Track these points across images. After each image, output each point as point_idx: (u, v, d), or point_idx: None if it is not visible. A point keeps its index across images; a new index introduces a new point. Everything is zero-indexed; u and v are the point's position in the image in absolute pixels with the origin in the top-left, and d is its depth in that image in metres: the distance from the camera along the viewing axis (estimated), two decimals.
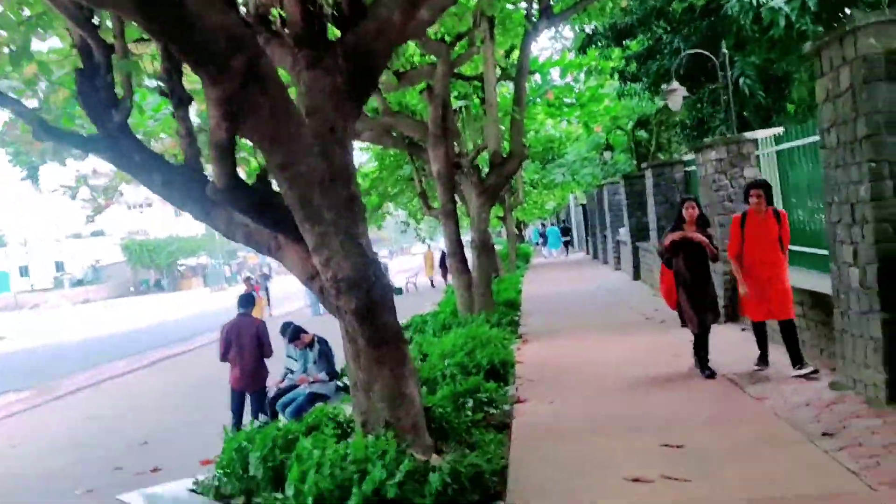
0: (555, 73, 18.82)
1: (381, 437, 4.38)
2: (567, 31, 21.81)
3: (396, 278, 29.48)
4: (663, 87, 11.16)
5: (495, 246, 26.40)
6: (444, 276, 29.36)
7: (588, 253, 32.04)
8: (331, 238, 4.34)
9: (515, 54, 12.03)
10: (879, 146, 4.93)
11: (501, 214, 29.39)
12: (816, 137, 7.56)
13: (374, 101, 11.80)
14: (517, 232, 48.07)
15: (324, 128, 4.53)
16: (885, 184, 4.94)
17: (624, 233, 21.11)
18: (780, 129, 8.93)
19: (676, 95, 10.80)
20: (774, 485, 3.94)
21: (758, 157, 9.10)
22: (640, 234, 17.33)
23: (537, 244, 47.84)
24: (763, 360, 6.71)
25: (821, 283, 6.46)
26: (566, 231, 43.90)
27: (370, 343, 4.51)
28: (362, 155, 24.49)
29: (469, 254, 11.14)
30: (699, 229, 6.70)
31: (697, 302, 6.72)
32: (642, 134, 20.50)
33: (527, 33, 10.88)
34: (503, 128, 11.89)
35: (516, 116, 10.90)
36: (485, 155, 11.65)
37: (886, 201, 4.95)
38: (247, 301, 7.83)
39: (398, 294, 28.02)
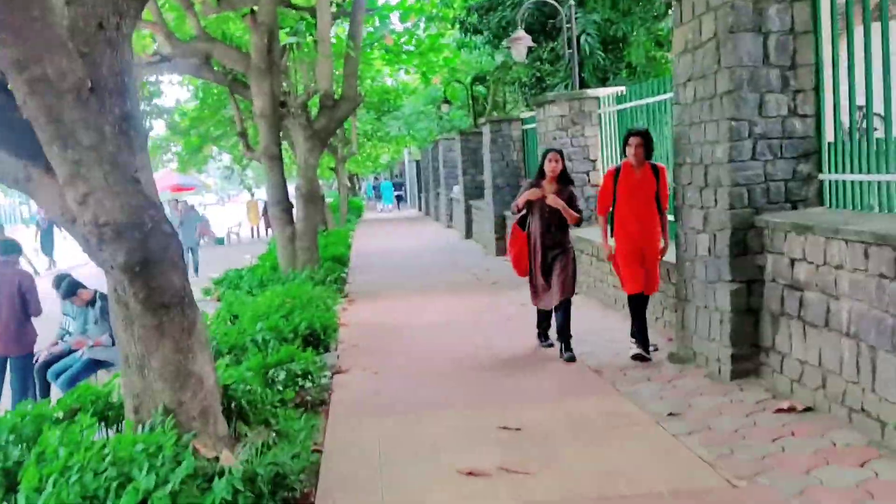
0: (394, 18, 17.86)
1: (158, 429, 3.42)
2: None
3: (219, 228, 27.53)
4: (505, 41, 10.57)
5: (325, 198, 25.27)
6: (269, 226, 27.89)
7: (421, 210, 31.68)
8: (91, 168, 3.24)
9: None
10: (741, 103, 4.55)
11: (333, 166, 28.24)
12: (660, 97, 7.34)
13: (187, 26, 10.31)
14: (350, 185, 46.98)
15: (88, 20, 3.38)
16: (744, 144, 4.59)
17: (458, 190, 20.76)
18: (622, 88, 8.65)
19: (521, 45, 10.26)
20: (625, 478, 3.45)
21: (599, 115, 8.79)
22: (474, 192, 16.98)
23: (370, 198, 47.18)
24: (643, 342, 5.59)
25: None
26: (399, 186, 43.83)
27: (146, 307, 3.50)
28: (183, 91, 22.35)
29: (295, 204, 10.10)
30: (560, 187, 5.77)
31: (546, 274, 5.82)
32: (480, 89, 20.08)
33: None
34: (337, 71, 10.85)
35: (351, 53, 9.90)
36: (316, 98, 10.56)
37: (745, 164, 4.60)
38: (7, 248, 6.37)
39: (220, 244, 26.14)
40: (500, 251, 13.04)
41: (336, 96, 10.12)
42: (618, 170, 5.62)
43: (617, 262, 5.70)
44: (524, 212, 5.91)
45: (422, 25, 15.69)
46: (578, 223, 5.83)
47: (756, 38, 4.52)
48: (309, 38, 12.76)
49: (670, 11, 7.61)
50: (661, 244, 5.60)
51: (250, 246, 23.93)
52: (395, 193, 42.97)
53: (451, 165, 21.03)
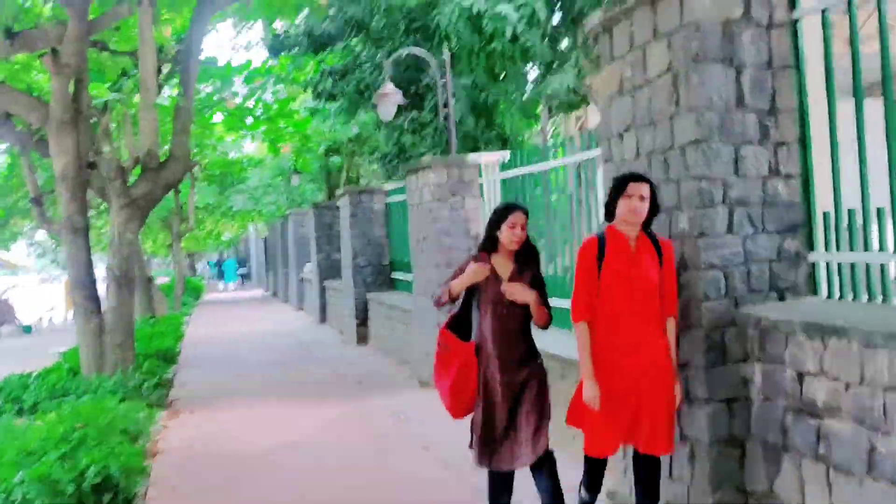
0: (238, 83, 16.23)
1: None
2: (256, 33, 19.41)
3: (27, 313, 23.82)
4: (374, 98, 9.26)
5: (157, 279, 22.53)
6: None
7: (268, 290, 29.36)
8: None
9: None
10: (711, 157, 3.37)
11: (170, 242, 25.60)
12: (554, 162, 6.23)
13: None
14: (189, 263, 43.58)
15: None
16: (717, 212, 3.39)
17: (310, 269, 18.99)
18: (505, 154, 7.51)
19: (389, 101, 8.95)
20: None
21: (481, 185, 7.58)
22: (329, 271, 15.32)
23: (213, 277, 44.11)
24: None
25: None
26: (243, 262, 41.33)
27: None
28: None
29: (106, 288, 8.02)
30: (519, 266, 3.58)
31: (511, 411, 3.51)
32: (336, 160, 18.71)
33: (200, 2, 8.26)
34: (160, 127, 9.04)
35: (181, 103, 8.16)
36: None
37: (719, 238, 3.39)
38: None
39: (27, 332, 22.49)
40: (362, 339, 11.42)
41: (162, 157, 8.28)
42: (601, 241, 3.40)
43: (583, 401, 3.38)
44: (455, 306, 3.74)
45: (269, 88, 14.14)
46: (546, 324, 3.60)
47: (727, 70, 3.39)
48: (137, 98, 10.98)
49: (582, 54, 6.66)
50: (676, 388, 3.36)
51: (65, 335, 20.67)
52: (240, 271, 40.59)
53: (303, 242, 19.30)
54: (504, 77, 10.51)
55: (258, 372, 9.74)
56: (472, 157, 7.62)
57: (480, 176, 7.56)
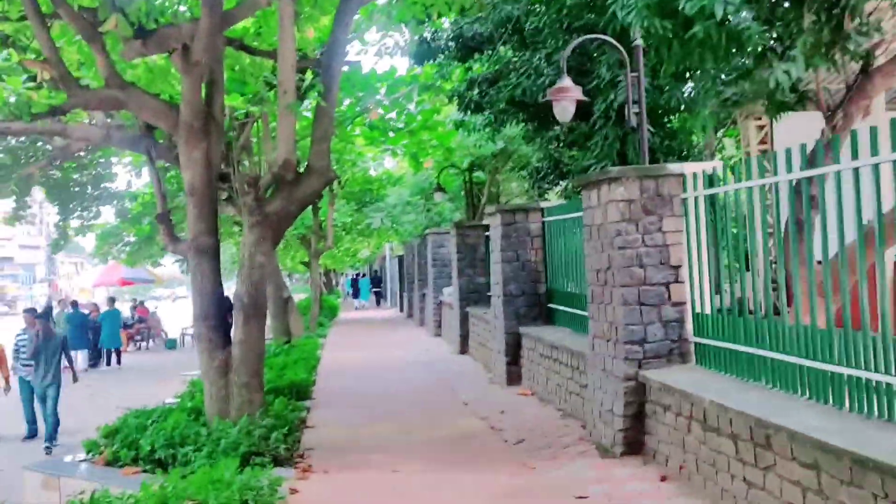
0: (381, 94, 15.35)
1: None
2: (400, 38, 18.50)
3: (172, 328, 24.18)
4: (548, 93, 7.83)
5: (294, 297, 22.19)
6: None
7: (402, 310, 28.59)
8: None
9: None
10: None
11: (307, 260, 25.37)
12: (768, 180, 4.57)
13: (90, 72, 7.57)
14: (326, 281, 43.97)
15: None
16: None
17: (450, 293, 17.81)
18: (716, 164, 5.87)
19: (566, 99, 7.49)
20: None
21: (684, 200, 5.96)
22: (472, 297, 14.03)
23: (348, 295, 44.41)
24: None
25: None
26: (377, 281, 41.21)
27: None
28: (134, 174, 19.63)
29: (234, 319, 7.03)
30: None
31: None
32: (480, 176, 17.47)
33: None
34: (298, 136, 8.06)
35: (322, 104, 7.08)
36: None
37: None
38: None
39: (170, 347, 22.73)
40: (513, 379, 9.97)
41: (300, 169, 7.24)
42: None
43: None
44: None
45: (414, 98, 13.10)
46: None
47: None
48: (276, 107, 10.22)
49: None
50: None
51: None
52: (374, 290, 40.55)
53: (442, 264, 18.18)
54: (692, 75, 8.81)
55: (398, 416, 8.50)
56: (673, 166, 6.01)
57: (685, 190, 5.94)
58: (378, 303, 40.00)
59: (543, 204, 10.12)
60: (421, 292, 21.95)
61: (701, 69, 8.63)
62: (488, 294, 13.90)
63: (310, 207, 21.13)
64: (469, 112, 14.19)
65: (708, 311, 5.77)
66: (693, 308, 5.90)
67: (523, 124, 14.19)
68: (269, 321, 20.53)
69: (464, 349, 14.10)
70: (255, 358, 6.90)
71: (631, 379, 5.89)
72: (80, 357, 18.01)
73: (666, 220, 5.95)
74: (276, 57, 7.45)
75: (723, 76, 9.13)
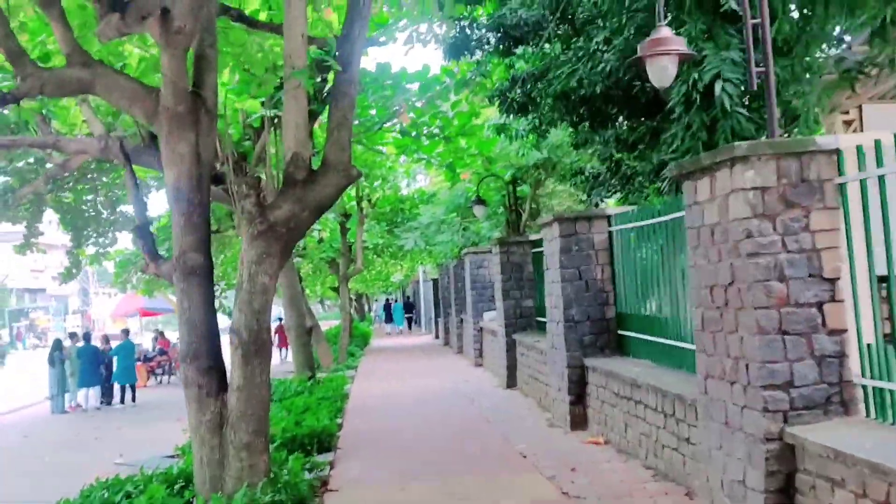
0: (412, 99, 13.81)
1: None
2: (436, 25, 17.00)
3: None
4: (639, 48, 6.19)
5: (326, 324, 20.68)
6: (284, 343, 22.43)
7: (438, 337, 26.95)
8: None
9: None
10: None
11: (336, 285, 24.01)
12: None
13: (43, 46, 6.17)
14: (357, 307, 42.51)
15: None
16: None
17: (491, 318, 16.16)
18: (884, 134, 4.20)
19: (665, 59, 5.80)
20: None
21: (839, 187, 4.28)
22: (519, 322, 12.38)
23: (380, 321, 42.99)
24: None
25: None
26: (409, 307, 39.90)
27: None
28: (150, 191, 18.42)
29: (230, 359, 5.47)
30: None
31: None
32: (524, 189, 15.84)
33: None
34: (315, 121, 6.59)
35: (341, 83, 5.56)
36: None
37: None
38: None
39: None
40: (578, 422, 8.26)
41: (311, 163, 5.69)
42: None
43: None
44: None
45: (451, 97, 11.56)
46: None
47: None
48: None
49: None
50: None
51: None
52: (407, 315, 39.22)
53: (482, 286, 16.56)
54: (794, 46, 7.14)
55: (440, 471, 6.83)
56: (824, 139, 4.33)
57: (841, 172, 4.26)
58: (410, 327, 38.65)
59: (609, 210, 8.45)
60: (458, 317, 20.32)
61: (825, 25, 6.99)
62: (538, 319, 12.25)
63: (337, 228, 19.73)
64: (511, 115, 12.65)
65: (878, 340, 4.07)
66: (859, 338, 4.20)
67: (572, 129, 12.61)
68: (290, 355, 18.96)
69: (511, 382, 12.41)
70: (259, 409, 5.32)
71: (773, 438, 4.18)
72: (92, 394, 16.66)
73: (815, 214, 4.27)
74: (278, 31, 5.98)
75: (847, 38, 7.48)
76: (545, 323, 11.73)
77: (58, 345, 16.80)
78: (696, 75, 7.53)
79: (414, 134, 12.24)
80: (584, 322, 8.28)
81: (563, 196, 22.85)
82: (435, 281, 28.21)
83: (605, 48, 9.24)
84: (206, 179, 5.60)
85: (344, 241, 18.78)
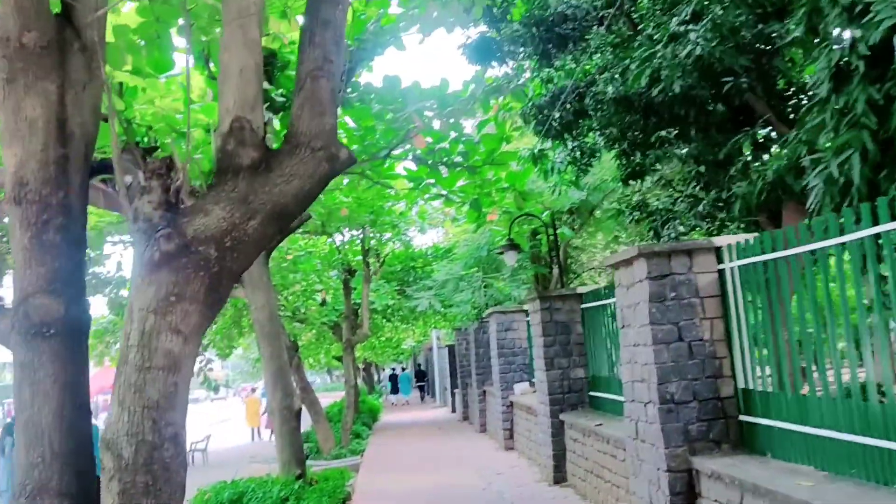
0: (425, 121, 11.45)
1: None
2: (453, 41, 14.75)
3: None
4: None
5: (325, 397, 17.99)
6: (271, 428, 20.83)
7: (454, 411, 24.06)
8: None
9: None
10: None
11: (339, 354, 21.42)
12: None
13: None
14: (366, 377, 39.65)
15: None
16: None
17: (523, 391, 13.48)
18: None
19: None
20: None
21: None
22: (568, 397, 9.73)
23: (387, 393, 40.24)
24: None
25: None
26: (421, 375, 37.44)
27: None
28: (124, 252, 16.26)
29: (104, 491, 2.86)
30: None
31: None
32: (565, 232, 13.25)
33: None
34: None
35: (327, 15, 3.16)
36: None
37: None
38: None
39: None
40: None
41: (262, 133, 3.21)
42: None
43: None
44: None
45: (477, 116, 9.25)
46: None
47: None
48: None
49: None
50: None
51: (233, 467, 16.32)
52: (418, 384, 36.95)
53: (511, 352, 13.93)
54: None
55: None
56: None
57: None
58: (423, 398, 36.92)
59: (721, 240, 5.90)
60: (481, 389, 17.57)
61: None
62: (592, 395, 9.60)
63: (340, 288, 17.20)
64: (549, 138, 10.31)
65: None
66: None
67: (623, 158, 10.29)
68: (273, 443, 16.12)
69: (560, 476, 9.66)
70: None
71: None
72: None
73: None
74: None
75: None
76: (601, 400, 9.09)
77: (9, 429, 14.11)
78: (856, 32, 5.12)
79: (430, 163, 9.85)
80: (688, 403, 5.65)
81: (598, 250, 20.37)
82: (451, 348, 25.50)
83: (691, 27, 6.88)
84: (78, 166, 3.14)
85: (348, 303, 16.25)
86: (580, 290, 10.00)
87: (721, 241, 5.88)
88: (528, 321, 13.79)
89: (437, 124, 9.42)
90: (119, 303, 16.30)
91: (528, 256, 16.08)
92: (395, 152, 9.74)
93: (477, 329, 17.53)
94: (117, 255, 19.96)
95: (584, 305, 9.73)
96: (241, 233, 3.06)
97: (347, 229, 15.29)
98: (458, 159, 10.11)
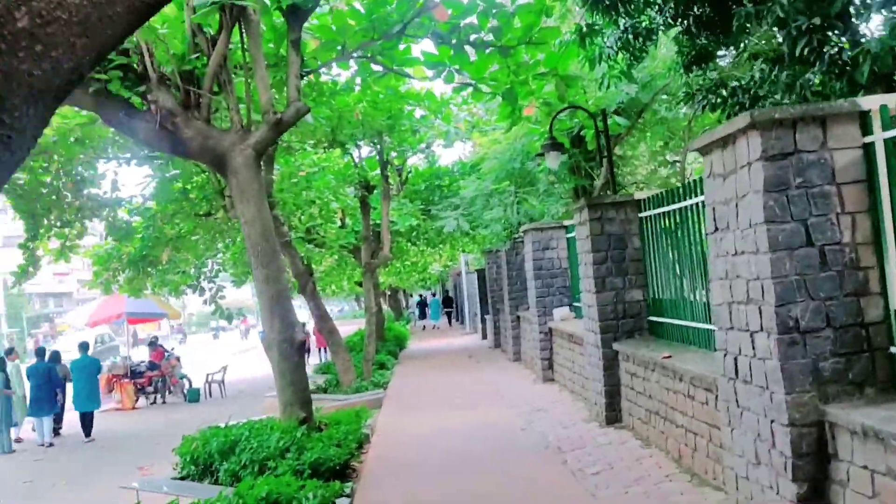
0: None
1: None
2: None
3: (196, 373, 18.97)
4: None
5: (347, 324, 16.71)
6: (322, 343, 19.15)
7: (485, 338, 22.77)
8: None
9: None
10: None
11: (359, 279, 20.09)
12: None
13: None
14: (394, 303, 38.57)
15: None
16: None
17: (563, 316, 11.97)
18: None
19: None
20: None
21: None
22: (622, 324, 8.16)
23: (415, 320, 39.42)
24: None
25: None
26: (449, 301, 36.59)
27: None
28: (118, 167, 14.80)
29: None
30: None
31: None
32: (621, 121, 11.36)
33: None
34: None
35: None
36: None
37: None
38: None
39: (192, 400, 17.49)
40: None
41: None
42: None
43: None
44: None
45: None
46: None
47: None
48: None
49: None
50: None
51: (250, 400, 15.26)
52: (446, 310, 36.24)
53: (550, 274, 12.38)
54: None
55: None
56: None
57: None
58: (451, 323, 36.39)
59: (865, 103, 4.14)
60: (514, 315, 16.11)
61: None
62: (651, 319, 8.03)
63: (358, 206, 15.63)
64: (600, 12, 8.45)
65: None
66: None
67: (686, 37, 8.53)
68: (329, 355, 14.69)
69: (613, 416, 8.19)
70: None
71: None
72: (46, 425, 12.90)
73: None
74: None
75: None
76: (666, 326, 7.51)
77: (2, 364, 13.04)
78: None
79: (454, 42, 8.10)
80: (820, 331, 4.03)
81: (641, 163, 18.45)
82: (480, 272, 24.02)
83: None
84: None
85: (366, 222, 14.70)
86: (638, 195, 8.31)
87: (868, 102, 4.13)
88: (568, 238, 12.19)
89: None
90: (118, 227, 14.99)
91: (567, 166, 14.27)
92: (412, 31, 8.00)
93: (509, 250, 15.94)
94: (111, 174, 18.35)
95: (643, 214, 8.06)
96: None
97: (362, 141, 13.59)
98: (489, 37, 8.33)
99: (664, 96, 12.52)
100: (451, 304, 37.54)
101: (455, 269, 33.98)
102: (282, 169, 13.90)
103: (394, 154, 14.72)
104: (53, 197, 13.77)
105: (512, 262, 15.88)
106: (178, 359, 18.46)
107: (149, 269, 16.10)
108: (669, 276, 7.41)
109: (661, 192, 7.69)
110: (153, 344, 18.88)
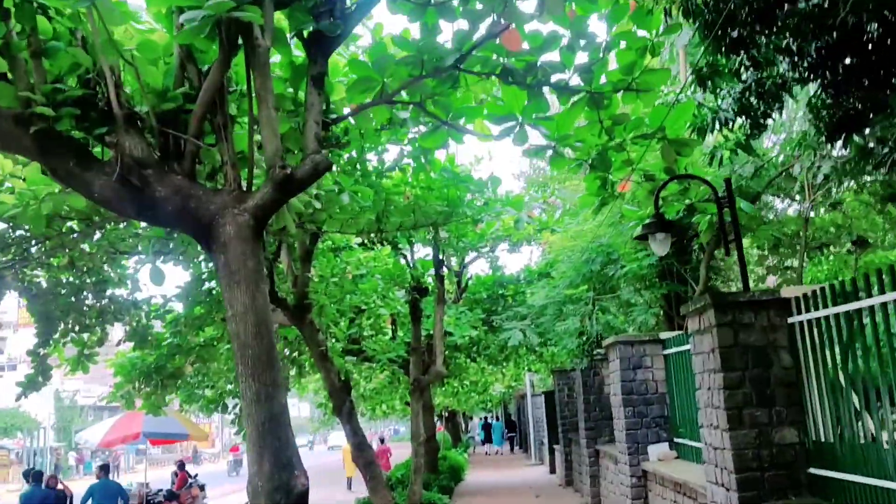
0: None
1: None
2: None
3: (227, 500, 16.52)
4: None
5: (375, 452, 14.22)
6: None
7: (553, 472, 19.73)
8: None
9: None
10: None
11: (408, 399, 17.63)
12: None
13: None
14: (451, 427, 35.71)
15: None
16: None
17: (661, 455, 9.34)
18: None
19: None
20: None
21: None
22: (770, 477, 5.59)
23: (479, 442, 37.33)
24: None
25: None
26: (511, 425, 34.45)
27: None
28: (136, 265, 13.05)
29: None
30: None
31: None
32: (746, 206, 8.95)
33: None
34: None
35: None
36: None
37: None
38: None
39: None
40: None
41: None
42: None
43: None
44: None
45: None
46: None
47: None
48: None
49: None
50: None
51: None
52: (508, 435, 34.23)
53: (643, 400, 9.84)
54: None
55: None
56: None
57: None
58: (512, 450, 34.97)
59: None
60: (592, 448, 13.36)
61: None
62: (813, 472, 5.44)
63: (407, 315, 13.50)
64: (722, 52, 6.48)
65: None
66: None
67: (822, 101, 6.50)
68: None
69: None
70: None
71: None
72: None
73: None
74: None
75: None
76: (840, 484, 4.93)
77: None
78: None
79: (529, 83, 6.12)
80: None
81: (750, 262, 15.91)
82: (548, 394, 21.31)
83: None
84: None
85: (416, 331, 12.49)
86: (785, 292, 5.93)
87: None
88: (665, 356, 9.73)
89: (536, 25, 5.79)
90: (139, 332, 13.18)
91: (656, 271, 11.95)
92: (473, 64, 6.06)
93: (585, 369, 13.42)
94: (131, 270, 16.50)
95: (794, 318, 5.67)
96: None
97: (414, 233, 11.61)
98: (575, 81, 6.34)
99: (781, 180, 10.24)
100: (514, 429, 35.86)
101: (519, 391, 31.12)
102: (319, 269, 11.99)
103: (452, 256, 12.72)
104: (72, 298, 12.11)
105: (589, 383, 13.31)
106: (202, 488, 16.13)
107: (169, 383, 14.16)
108: (843, 407, 4.95)
109: (824, 287, 5.34)
110: (181, 467, 16.62)
